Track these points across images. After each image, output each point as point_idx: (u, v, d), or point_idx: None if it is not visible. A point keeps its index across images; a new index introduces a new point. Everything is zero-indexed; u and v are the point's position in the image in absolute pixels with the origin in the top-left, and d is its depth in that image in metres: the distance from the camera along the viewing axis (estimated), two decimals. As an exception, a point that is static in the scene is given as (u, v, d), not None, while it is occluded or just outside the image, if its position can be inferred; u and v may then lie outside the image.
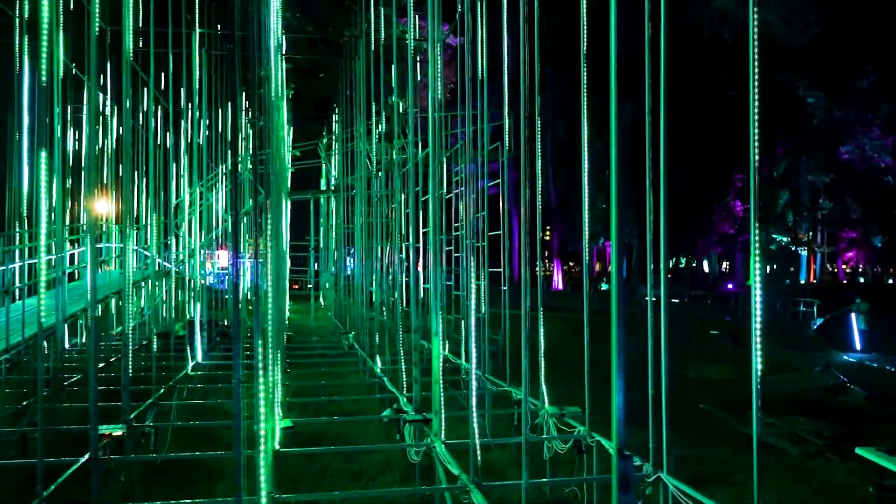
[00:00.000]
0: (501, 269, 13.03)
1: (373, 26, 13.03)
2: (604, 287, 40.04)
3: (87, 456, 5.60)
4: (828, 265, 58.62)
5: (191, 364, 10.83)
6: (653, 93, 5.20)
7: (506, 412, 8.66)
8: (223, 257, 27.94)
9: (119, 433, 6.12)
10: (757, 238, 4.03)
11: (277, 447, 6.04)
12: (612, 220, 3.31)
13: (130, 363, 6.52)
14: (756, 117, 4.04)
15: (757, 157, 4.04)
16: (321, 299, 27.09)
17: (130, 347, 6.50)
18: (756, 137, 4.04)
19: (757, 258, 4.09)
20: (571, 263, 63.41)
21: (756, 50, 4.06)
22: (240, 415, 5.03)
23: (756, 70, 4.05)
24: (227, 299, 18.82)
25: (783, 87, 46.92)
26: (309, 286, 29.17)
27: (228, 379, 10.01)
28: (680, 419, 11.40)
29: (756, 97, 4.04)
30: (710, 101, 44.73)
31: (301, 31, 31.18)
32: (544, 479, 6.29)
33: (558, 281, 48.82)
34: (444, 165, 13.75)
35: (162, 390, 8.48)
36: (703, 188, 44.30)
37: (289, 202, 24.05)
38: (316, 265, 28.15)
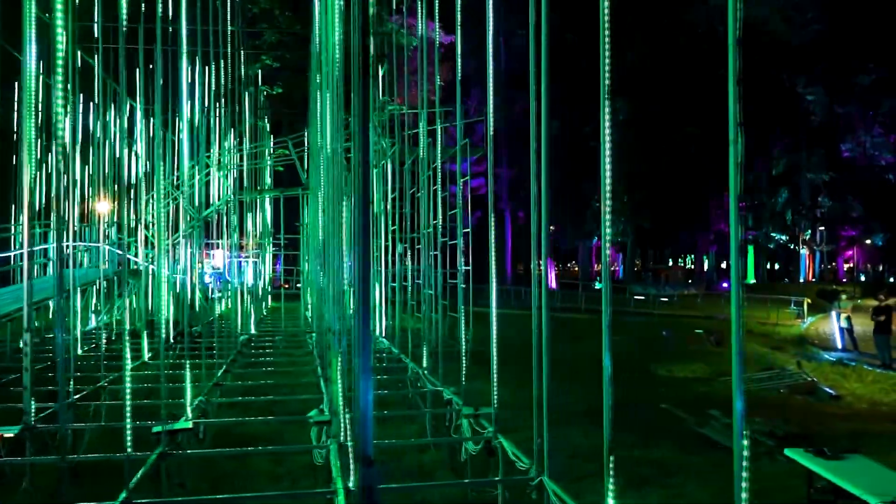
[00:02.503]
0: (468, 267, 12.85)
1: (318, 22, 12.75)
2: (598, 286, 39.74)
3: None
4: (831, 264, 58.03)
5: (132, 364, 10.67)
6: (536, 81, 5.02)
7: (438, 412, 8.49)
8: (218, 257, 27.78)
9: (10, 434, 5.98)
10: (608, 229, 3.84)
11: (167, 449, 5.89)
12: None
13: (30, 363, 6.38)
14: (607, 112, 3.86)
15: (608, 155, 3.86)
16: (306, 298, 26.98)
17: (30, 347, 6.37)
18: (607, 126, 3.86)
19: (608, 250, 3.91)
20: (571, 262, 63.11)
21: (608, 40, 3.88)
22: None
23: (607, 62, 3.87)
24: (199, 298, 18.71)
25: (783, 84, 46.49)
26: (298, 285, 29.02)
27: (172, 379, 9.87)
28: (638, 419, 11.22)
29: (607, 84, 3.86)
30: (706, 99, 44.36)
31: (290, 29, 31.05)
32: (420, 484, 6.11)
33: (551, 280, 48.54)
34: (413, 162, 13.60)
35: (87, 391, 8.35)
36: (699, 186, 43.93)
37: (270, 199, 23.98)
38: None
